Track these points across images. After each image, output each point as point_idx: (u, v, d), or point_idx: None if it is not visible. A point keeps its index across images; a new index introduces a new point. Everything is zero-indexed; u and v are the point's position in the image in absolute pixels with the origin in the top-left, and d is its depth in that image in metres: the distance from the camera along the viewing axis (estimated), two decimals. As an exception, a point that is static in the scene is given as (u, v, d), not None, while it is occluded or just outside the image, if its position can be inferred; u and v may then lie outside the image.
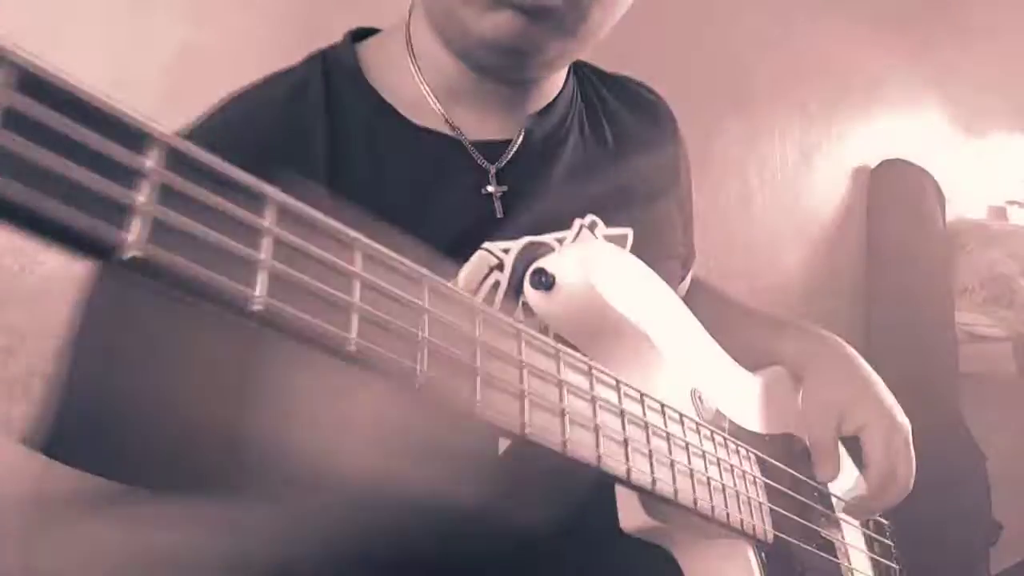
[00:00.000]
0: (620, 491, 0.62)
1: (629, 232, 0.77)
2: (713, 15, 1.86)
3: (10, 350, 1.04)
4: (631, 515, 0.62)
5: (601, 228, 0.75)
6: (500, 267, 0.69)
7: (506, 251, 0.69)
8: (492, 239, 0.69)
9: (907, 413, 0.84)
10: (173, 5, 1.16)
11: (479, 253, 0.68)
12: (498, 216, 0.71)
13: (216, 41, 1.18)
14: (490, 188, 0.71)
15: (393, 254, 0.38)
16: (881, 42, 2.21)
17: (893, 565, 0.89)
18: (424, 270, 0.38)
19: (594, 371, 0.49)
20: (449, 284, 0.39)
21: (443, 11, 0.67)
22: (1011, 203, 2.48)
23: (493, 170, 0.72)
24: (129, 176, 0.28)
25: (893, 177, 2.14)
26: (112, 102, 0.28)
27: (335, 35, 0.79)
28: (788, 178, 2.02)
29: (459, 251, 0.68)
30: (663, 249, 0.81)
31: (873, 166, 2.17)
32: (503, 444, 0.51)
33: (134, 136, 0.28)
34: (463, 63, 0.70)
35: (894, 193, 2.11)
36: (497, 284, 0.68)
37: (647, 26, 1.66)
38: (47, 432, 0.63)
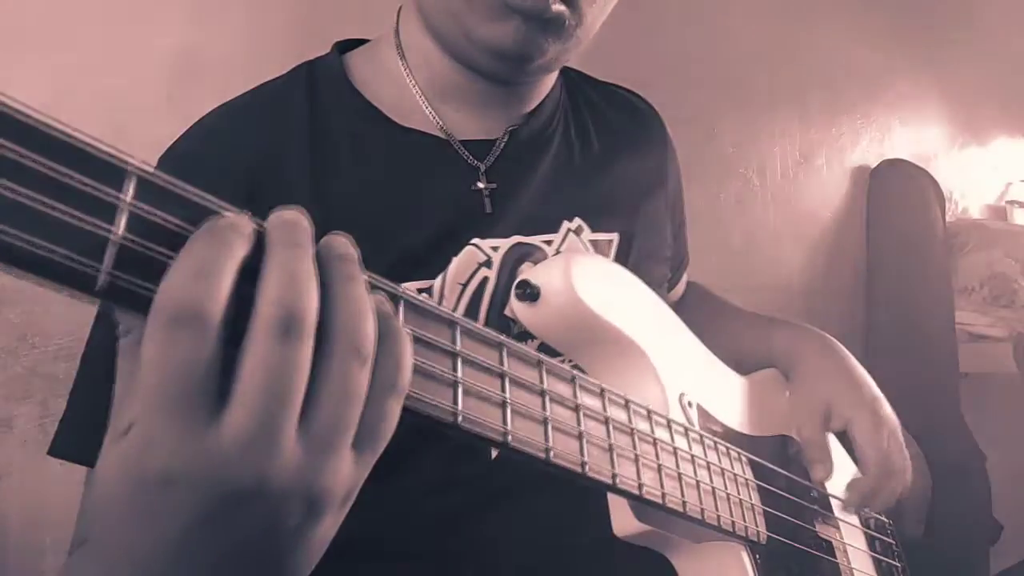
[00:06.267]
0: (611, 497, 0.62)
1: (615, 237, 0.77)
2: (713, 16, 1.86)
3: (10, 350, 1.04)
4: (623, 521, 0.62)
5: (587, 232, 0.75)
6: (488, 264, 0.69)
7: (495, 249, 0.70)
8: (482, 236, 0.70)
9: (907, 413, 0.84)
10: (174, 8, 1.17)
11: (468, 249, 0.69)
12: (487, 212, 0.71)
13: (217, 44, 1.19)
14: (480, 184, 0.72)
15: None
16: (881, 42, 2.21)
17: (895, 563, 0.89)
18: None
19: (577, 379, 0.49)
20: (419, 297, 0.40)
21: (446, 15, 0.67)
22: (1011, 203, 2.47)
23: (483, 168, 0.72)
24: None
25: (893, 177, 2.13)
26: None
27: (338, 39, 0.79)
28: (788, 178, 2.02)
29: (449, 245, 0.69)
30: (650, 253, 0.81)
31: (873, 166, 2.17)
32: None
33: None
34: (457, 64, 0.71)
35: (894, 193, 2.11)
36: (486, 280, 0.69)
37: (648, 27, 1.66)
38: (73, 437, 0.63)
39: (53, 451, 0.63)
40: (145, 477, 0.31)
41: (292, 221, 0.34)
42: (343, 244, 0.36)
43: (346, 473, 0.35)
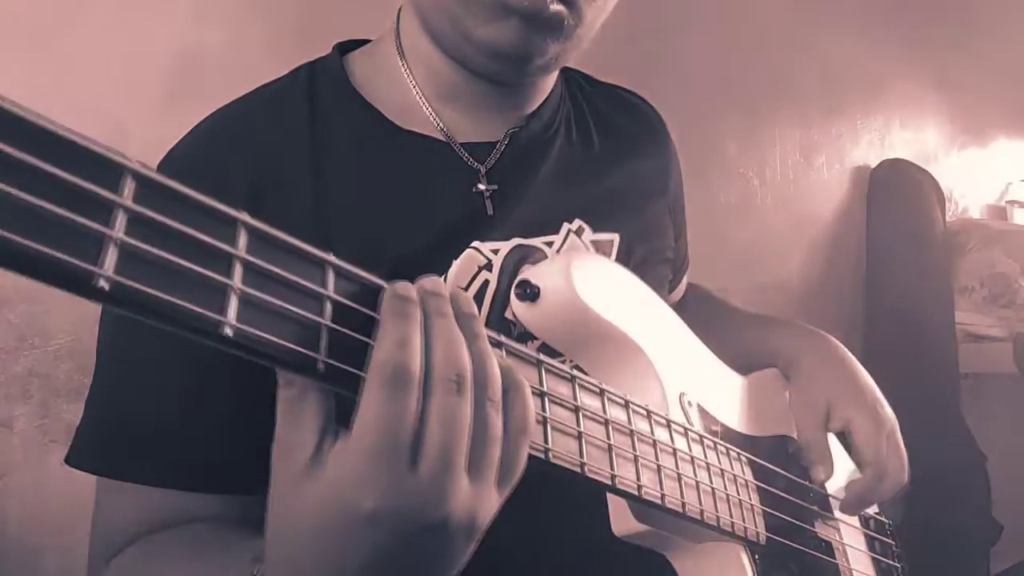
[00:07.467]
0: (611, 497, 0.62)
1: (616, 237, 0.77)
2: (713, 16, 1.86)
3: (10, 350, 1.04)
4: (622, 520, 0.62)
5: (588, 233, 0.75)
6: (489, 267, 0.69)
7: (495, 252, 0.70)
8: (482, 239, 0.69)
9: (907, 413, 0.84)
10: (174, 8, 1.17)
11: (468, 252, 0.68)
12: (488, 214, 0.71)
13: (218, 44, 1.19)
14: (481, 186, 0.71)
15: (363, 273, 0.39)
16: (881, 42, 2.21)
17: (895, 564, 0.89)
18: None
19: (577, 379, 0.49)
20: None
21: (444, 15, 0.66)
22: (1011, 203, 2.48)
23: (483, 170, 0.72)
24: (100, 209, 0.28)
25: (893, 177, 2.14)
26: (82, 137, 0.29)
27: (337, 39, 0.79)
28: (788, 178, 2.02)
29: (450, 248, 0.68)
30: (651, 254, 0.81)
31: (873, 166, 2.17)
32: None
33: (105, 169, 0.29)
34: (457, 65, 0.71)
35: (894, 193, 2.11)
36: (486, 283, 0.69)
37: (649, 27, 1.66)
38: (95, 448, 0.63)
39: (77, 463, 0.62)
40: (358, 513, 0.37)
41: (438, 292, 0.41)
42: (469, 303, 0.42)
43: (493, 503, 0.41)
